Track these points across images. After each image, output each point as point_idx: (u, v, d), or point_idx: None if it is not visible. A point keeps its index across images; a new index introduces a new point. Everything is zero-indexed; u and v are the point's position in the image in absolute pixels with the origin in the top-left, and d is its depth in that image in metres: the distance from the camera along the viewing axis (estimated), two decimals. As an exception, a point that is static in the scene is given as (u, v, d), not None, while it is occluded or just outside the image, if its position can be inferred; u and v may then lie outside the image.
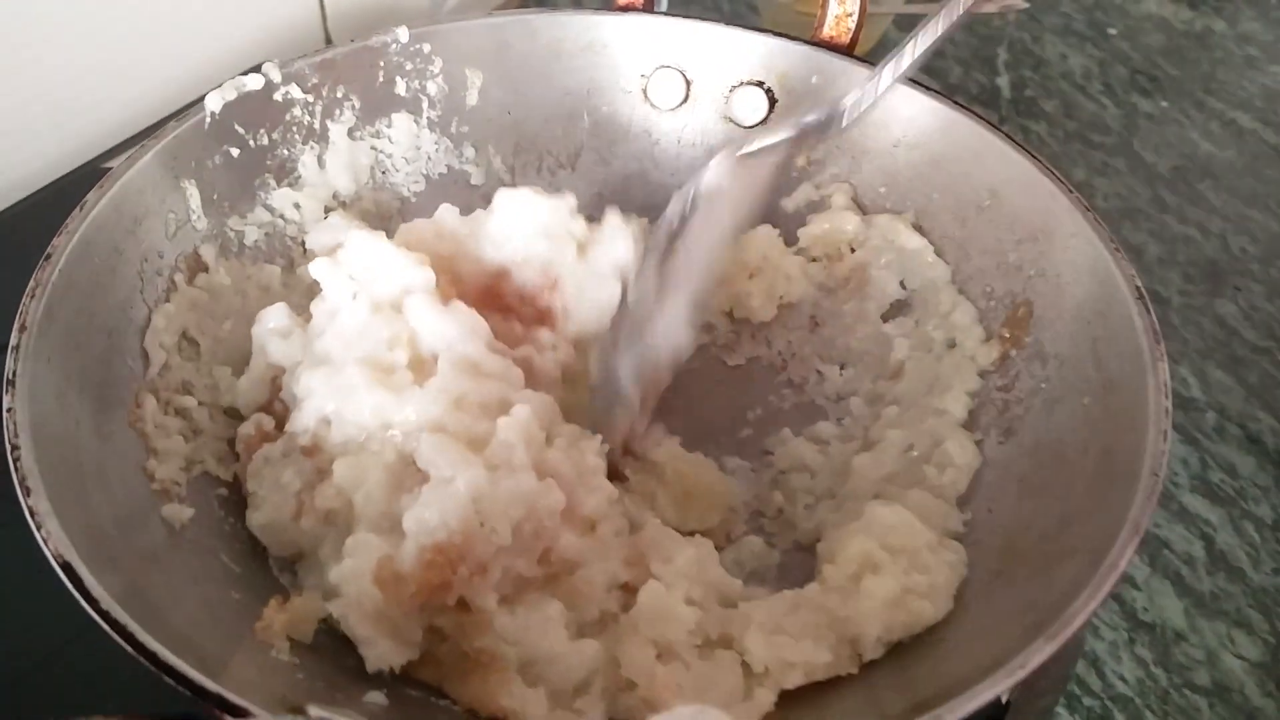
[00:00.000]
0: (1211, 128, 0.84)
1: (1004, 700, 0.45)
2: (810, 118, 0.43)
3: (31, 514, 0.33)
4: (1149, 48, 0.91)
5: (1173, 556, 0.60)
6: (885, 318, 0.50)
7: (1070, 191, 0.43)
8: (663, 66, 0.53)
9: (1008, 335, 0.44)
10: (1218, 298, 0.73)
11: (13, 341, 0.37)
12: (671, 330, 0.45)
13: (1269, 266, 0.74)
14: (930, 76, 0.85)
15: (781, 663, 0.37)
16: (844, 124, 0.43)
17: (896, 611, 0.37)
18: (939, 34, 0.41)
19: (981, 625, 0.36)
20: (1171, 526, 0.61)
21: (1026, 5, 0.78)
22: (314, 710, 0.31)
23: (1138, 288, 0.39)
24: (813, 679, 0.37)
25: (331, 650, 0.38)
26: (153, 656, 0.31)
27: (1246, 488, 0.63)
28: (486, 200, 0.49)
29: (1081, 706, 0.55)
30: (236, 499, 0.42)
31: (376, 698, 0.35)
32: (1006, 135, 0.46)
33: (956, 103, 0.48)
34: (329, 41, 0.70)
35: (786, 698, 0.36)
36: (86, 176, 0.57)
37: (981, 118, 0.47)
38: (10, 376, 0.35)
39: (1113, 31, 0.92)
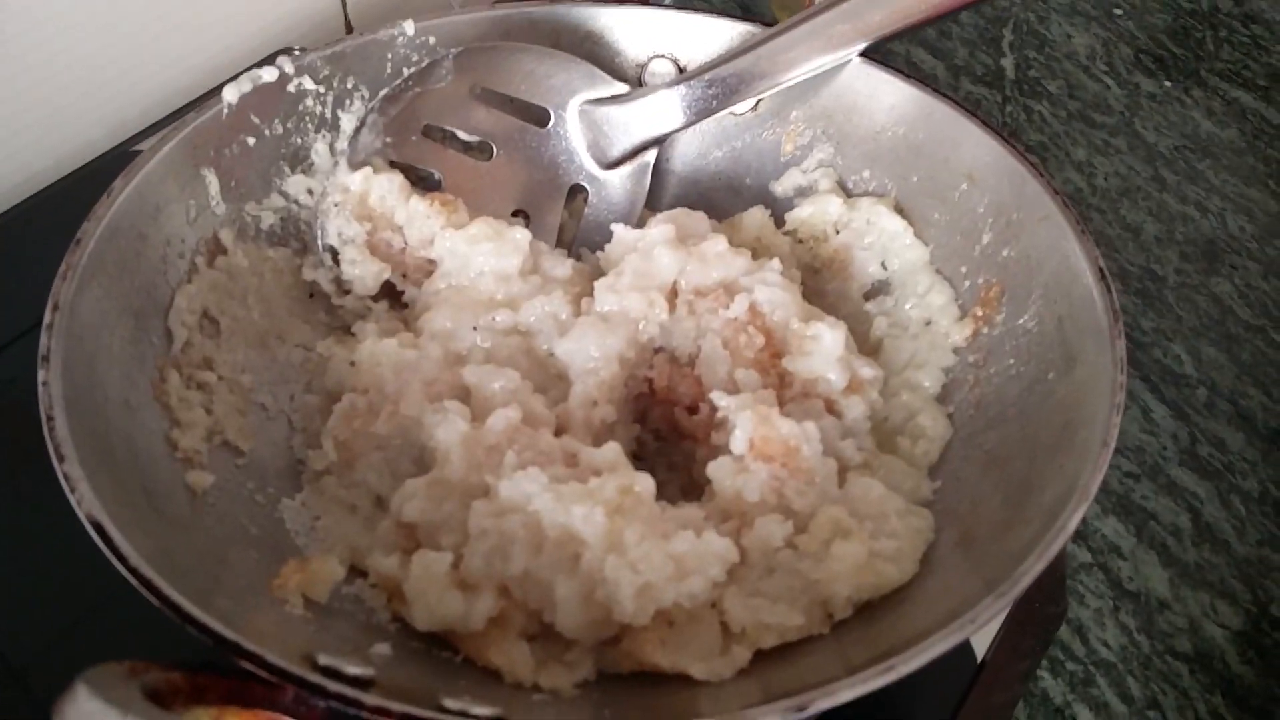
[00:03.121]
0: (1214, 107, 0.84)
1: (979, 660, 0.47)
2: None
3: (65, 479, 0.35)
4: (1154, 27, 0.91)
5: (1159, 528, 0.62)
6: (867, 297, 0.51)
7: (1040, 176, 0.45)
8: (657, 56, 0.54)
9: (980, 314, 0.46)
10: (1214, 276, 0.73)
11: (46, 320, 0.39)
12: None
13: (1266, 245, 0.75)
14: (935, 58, 0.86)
15: (759, 625, 0.39)
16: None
17: (864, 574, 0.39)
18: None
19: (945, 586, 0.38)
20: (1159, 499, 0.63)
21: None
22: (323, 659, 0.34)
23: (1100, 269, 0.41)
24: (786, 640, 0.39)
25: (342, 608, 0.41)
26: (176, 608, 0.33)
27: (1235, 462, 0.64)
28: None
29: (1065, 671, 0.57)
30: (255, 466, 0.45)
31: (382, 649, 0.38)
32: (983, 122, 0.47)
33: (937, 90, 0.49)
34: (349, 30, 0.72)
35: (759, 652, 0.39)
36: (117, 159, 0.59)
37: (960, 104, 0.49)
38: (44, 352, 0.38)
39: (1118, 11, 0.92)
